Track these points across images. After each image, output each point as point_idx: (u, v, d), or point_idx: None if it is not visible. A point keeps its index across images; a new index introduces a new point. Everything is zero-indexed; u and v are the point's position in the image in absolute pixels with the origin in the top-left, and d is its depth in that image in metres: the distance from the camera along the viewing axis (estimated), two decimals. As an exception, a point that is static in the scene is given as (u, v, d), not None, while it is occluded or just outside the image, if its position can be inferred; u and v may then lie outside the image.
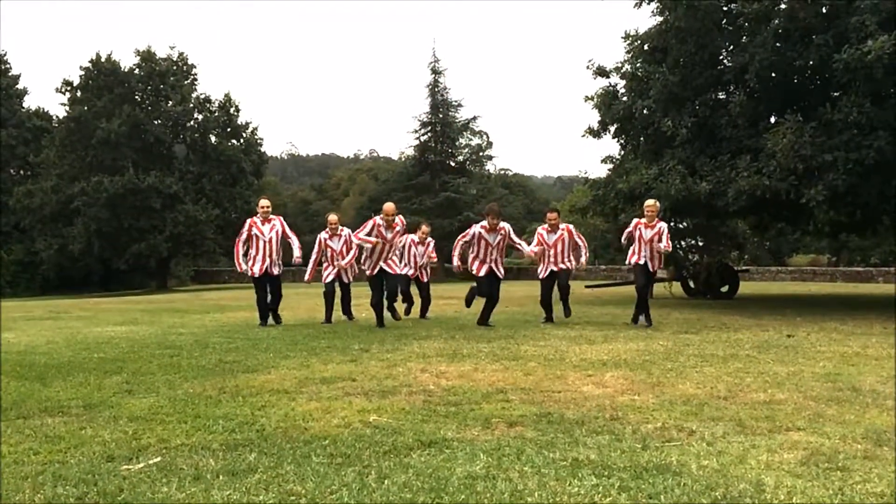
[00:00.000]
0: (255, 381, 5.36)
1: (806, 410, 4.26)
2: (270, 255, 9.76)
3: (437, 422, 4.02)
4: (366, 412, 4.27)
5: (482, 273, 9.57)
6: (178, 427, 3.95)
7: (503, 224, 9.59)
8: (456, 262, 9.84)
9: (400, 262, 10.49)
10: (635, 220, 10.12)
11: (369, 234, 9.25)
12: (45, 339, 8.59)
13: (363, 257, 9.68)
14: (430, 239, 11.69)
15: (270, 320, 10.15)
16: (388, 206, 9.46)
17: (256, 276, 9.81)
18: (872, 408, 4.33)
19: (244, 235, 9.81)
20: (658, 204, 10.33)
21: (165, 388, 5.18)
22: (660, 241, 9.79)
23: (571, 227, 10.67)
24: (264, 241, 9.74)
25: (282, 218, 10.14)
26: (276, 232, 9.82)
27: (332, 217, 10.89)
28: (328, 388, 5.08)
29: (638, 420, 4.04)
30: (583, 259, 10.64)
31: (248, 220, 9.97)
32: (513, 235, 9.72)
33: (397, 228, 9.44)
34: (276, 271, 9.89)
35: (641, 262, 9.90)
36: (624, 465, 3.16)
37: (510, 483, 2.94)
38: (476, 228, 9.57)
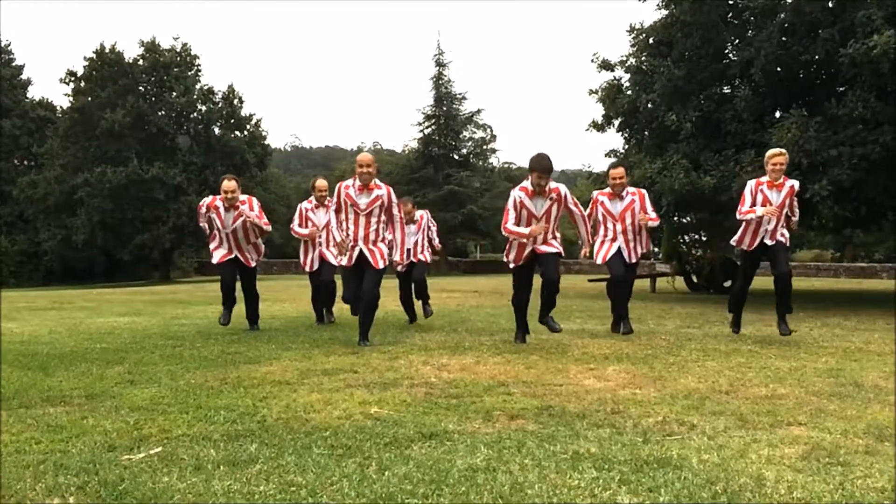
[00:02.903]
0: (256, 373, 5.36)
1: (807, 405, 4.25)
2: (238, 247, 7.99)
3: (438, 414, 4.02)
4: (367, 404, 4.28)
5: (518, 260, 6.78)
6: (179, 417, 3.96)
7: (556, 185, 6.64)
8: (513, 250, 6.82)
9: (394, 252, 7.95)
10: (753, 182, 7.24)
11: (338, 210, 6.96)
12: (48, 329, 8.62)
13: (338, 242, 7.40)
14: (420, 213, 8.98)
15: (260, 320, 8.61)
16: (362, 156, 6.91)
17: (215, 262, 8.06)
18: (874, 403, 4.32)
19: (201, 219, 8.06)
20: (786, 154, 7.36)
21: (167, 378, 5.19)
22: (792, 204, 7.21)
23: (644, 192, 7.74)
24: (227, 233, 7.91)
25: (255, 200, 8.08)
26: (245, 221, 7.91)
27: (321, 182, 8.72)
28: (330, 379, 5.09)
29: (639, 414, 4.04)
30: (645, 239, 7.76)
31: (208, 201, 7.96)
32: (572, 203, 6.72)
33: (377, 192, 6.82)
34: (251, 263, 8.14)
35: (754, 245, 7.21)
36: (624, 459, 3.16)
37: (511, 475, 2.94)
38: (514, 193, 6.65)
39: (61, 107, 41.12)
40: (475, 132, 43.41)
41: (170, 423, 3.84)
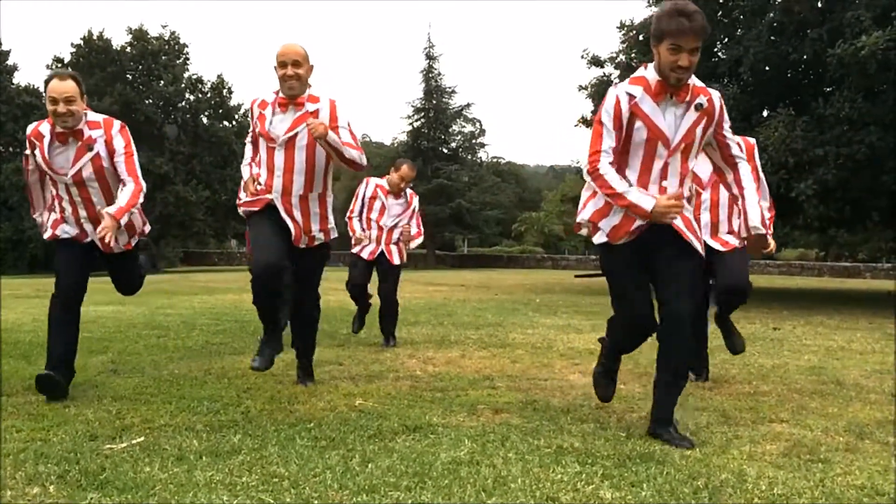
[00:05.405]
0: (241, 363, 5.34)
1: (789, 403, 4.28)
2: (92, 215, 4.20)
3: (422, 407, 4.02)
4: (352, 396, 4.27)
5: (621, 234, 3.37)
6: (162, 407, 3.94)
7: (695, 82, 3.33)
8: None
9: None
10: None
11: (254, 141, 4.32)
12: (31, 317, 8.54)
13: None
14: (410, 192, 6.83)
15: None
16: (286, 48, 4.08)
17: (47, 238, 4.42)
18: (855, 401, 4.36)
19: (29, 178, 4.36)
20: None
21: (151, 368, 5.17)
22: None
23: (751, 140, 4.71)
24: (65, 184, 4.14)
25: (117, 126, 4.19)
26: (98, 162, 4.11)
27: None
28: (315, 371, 5.07)
29: (623, 409, 4.06)
30: (764, 209, 4.21)
31: (29, 131, 4.17)
32: (729, 128, 3.53)
33: (311, 107, 4.11)
34: (119, 243, 4.35)
35: None
36: (608, 454, 3.17)
37: (494, 469, 2.94)
38: (620, 90, 3.32)
39: (47, 93, 40.78)
40: (464, 126, 43.43)
41: (153, 412, 3.82)
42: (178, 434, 3.41)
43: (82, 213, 4.23)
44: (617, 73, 15.30)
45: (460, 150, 43.28)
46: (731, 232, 4.73)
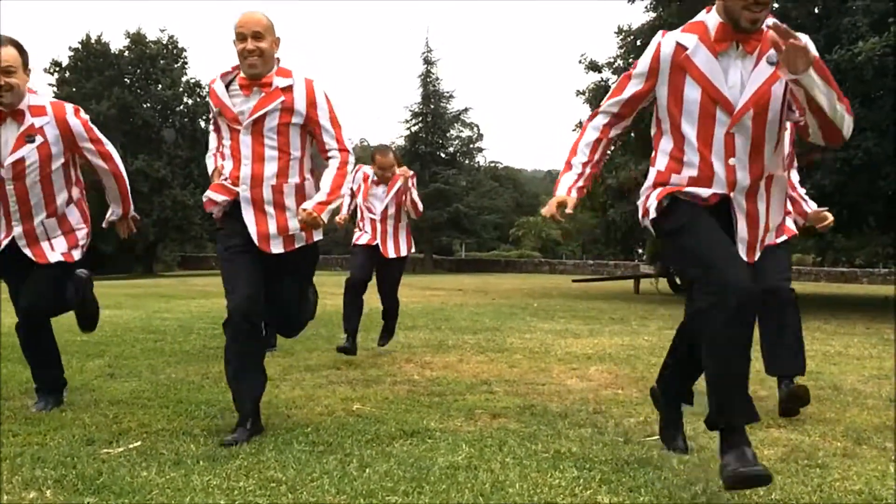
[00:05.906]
0: (238, 368, 5.33)
1: (787, 408, 4.27)
2: (28, 216, 3.74)
3: (420, 412, 4.01)
4: (349, 401, 4.27)
5: (684, 188, 2.69)
6: (159, 412, 3.93)
7: (775, 25, 2.35)
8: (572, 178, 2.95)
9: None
10: None
11: (216, 128, 3.65)
12: (27, 321, 8.52)
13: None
14: (402, 170, 6.05)
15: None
16: (247, 17, 3.45)
17: None
18: (853, 406, 4.36)
19: None
20: None
21: (148, 372, 5.16)
22: None
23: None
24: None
25: (77, 112, 3.74)
26: (45, 150, 3.65)
27: None
28: (312, 375, 5.08)
29: (621, 414, 4.06)
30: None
31: None
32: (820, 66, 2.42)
33: (280, 83, 3.43)
34: (54, 253, 3.85)
35: None
36: (605, 459, 3.17)
37: (492, 474, 2.94)
38: (669, 39, 2.81)
39: (45, 97, 40.79)
40: (462, 131, 43.52)
41: (149, 417, 3.81)
42: (175, 438, 3.41)
43: (13, 210, 3.70)
44: (614, 78, 15.36)
45: (458, 154, 43.34)
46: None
